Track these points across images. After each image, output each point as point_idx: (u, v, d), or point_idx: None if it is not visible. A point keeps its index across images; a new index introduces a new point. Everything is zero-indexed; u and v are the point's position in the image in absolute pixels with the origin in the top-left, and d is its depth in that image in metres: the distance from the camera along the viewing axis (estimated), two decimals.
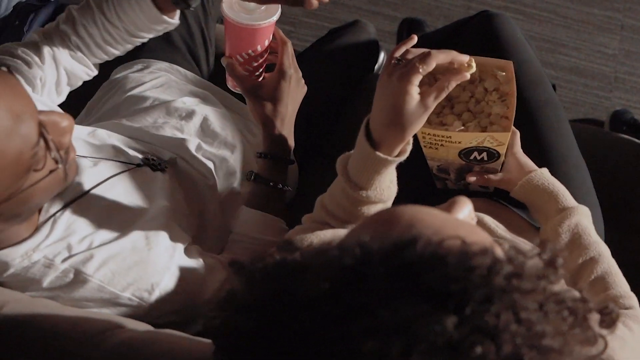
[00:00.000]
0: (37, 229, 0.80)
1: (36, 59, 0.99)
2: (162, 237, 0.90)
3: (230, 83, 1.16)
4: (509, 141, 0.96)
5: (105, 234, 0.85)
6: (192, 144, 1.09)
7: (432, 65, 0.79)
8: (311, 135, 1.26)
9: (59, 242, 0.81)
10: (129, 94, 1.19)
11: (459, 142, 0.93)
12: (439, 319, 0.36)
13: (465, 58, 0.82)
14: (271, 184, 1.06)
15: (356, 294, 0.38)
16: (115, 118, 1.14)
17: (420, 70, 0.79)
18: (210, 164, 1.09)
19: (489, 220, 0.99)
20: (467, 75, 0.82)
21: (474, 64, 0.83)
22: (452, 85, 0.81)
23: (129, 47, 1.05)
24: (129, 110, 1.15)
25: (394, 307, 0.37)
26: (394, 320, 0.36)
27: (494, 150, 0.95)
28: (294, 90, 1.08)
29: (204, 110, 1.15)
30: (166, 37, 1.24)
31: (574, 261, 0.92)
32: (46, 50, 1.00)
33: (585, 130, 1.34)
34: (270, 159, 1.08)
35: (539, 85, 1.15)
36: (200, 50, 1.34)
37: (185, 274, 0.90)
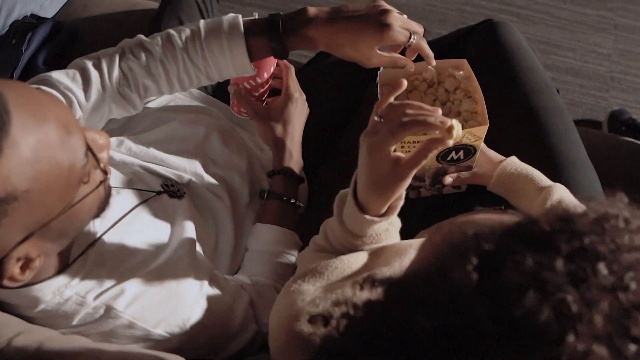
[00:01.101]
0: (68, 264, 0.79)
1: (80, 96, 0.91)
2: (188, 269, 0.88)
3: (235, 109, 1.18)
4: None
5: (134, 268, 0.84)
6: (203, 163, 1.09)
7: (402, 138, 0.73)
8: (319, 148, 1.27)
9: (90, 279, 0.80)
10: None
11: None
12: (595, 265, 0.42)
13: (446, 124, 0.70)
14: (284, 198, 1.07)
15: (510, 271, 0.42)
16: (122, 137, 1.13)
17: (392, 141, 0.72)
18: (221, 182, 1.08)
19: None
20: (450, 143, 0.71)
21: (459, 129, 0.71)
22: (431, 155, 0.72)
23: (194, 87, 0.98)
24: (136, 129, 1.14)
25: (553, 268, 0.41)
26: (561, 279, 0.41)
27: (471, 146, 0.96)
28: (300, 112, 1.14)
29: (211, 127, 1.14)
30: None
31: None
32: (95, 87, 0.92)
33: (586, 133, 1.34)
34: (283, 176, 1.09)
35: (545, 92, 1.14)
36: None
37: (213, 305, 0.89)
